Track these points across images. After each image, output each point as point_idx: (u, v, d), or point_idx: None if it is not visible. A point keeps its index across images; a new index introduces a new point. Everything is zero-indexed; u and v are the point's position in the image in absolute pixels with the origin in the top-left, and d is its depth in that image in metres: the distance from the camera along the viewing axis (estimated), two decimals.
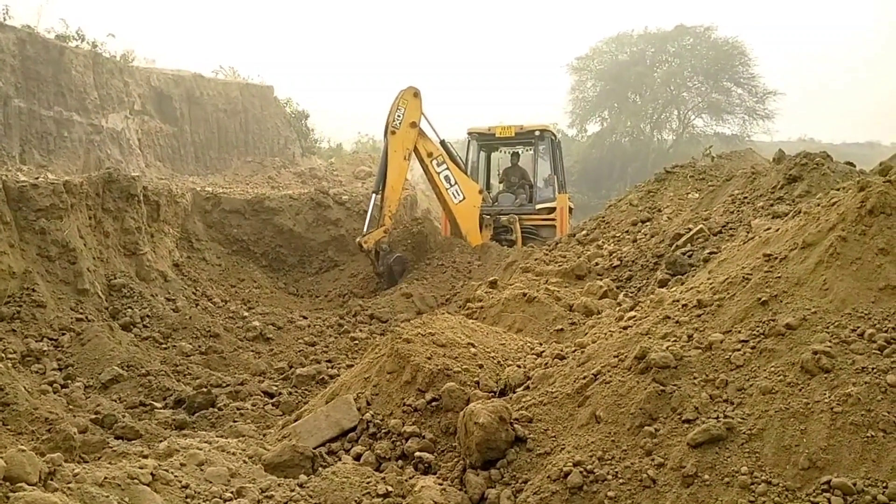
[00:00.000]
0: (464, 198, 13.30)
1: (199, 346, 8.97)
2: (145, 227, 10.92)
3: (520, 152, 16.03)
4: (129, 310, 9.40)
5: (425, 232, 13.40)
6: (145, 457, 4.41)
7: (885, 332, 3.47)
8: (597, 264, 8.60)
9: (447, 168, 13.12)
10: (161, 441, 5.11)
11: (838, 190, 4.95)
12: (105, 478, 3.35)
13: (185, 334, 9.18)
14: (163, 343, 8.96)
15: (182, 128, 20.34)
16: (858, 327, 3.53)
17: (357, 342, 9.50)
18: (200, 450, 4.02)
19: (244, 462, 4.05)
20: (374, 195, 12.48)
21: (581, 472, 3.46)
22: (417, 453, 4.26)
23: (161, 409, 7.03)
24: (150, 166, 18.60)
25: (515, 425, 3.97)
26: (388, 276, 12.38)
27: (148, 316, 9.44)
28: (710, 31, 37.82)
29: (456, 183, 13.22)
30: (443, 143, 13.31)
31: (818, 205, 4.46)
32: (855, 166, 8.53)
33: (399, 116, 12.34)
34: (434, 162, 13.03)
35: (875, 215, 3.90)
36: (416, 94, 12.57)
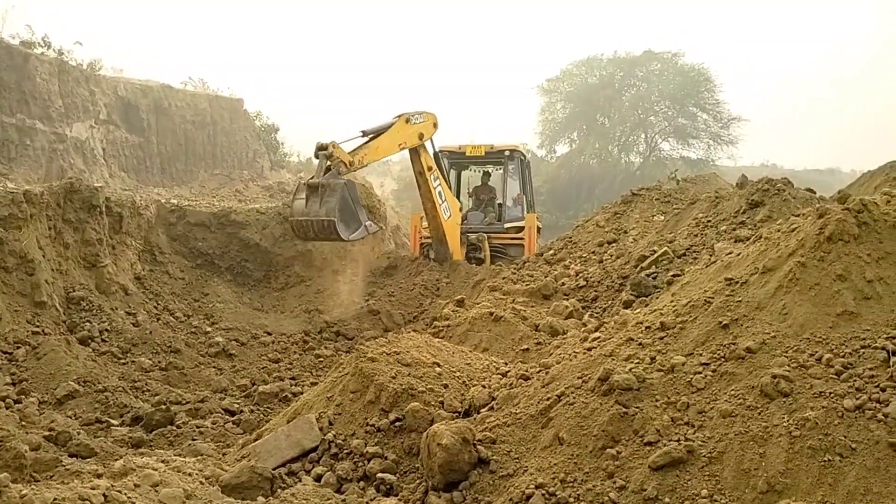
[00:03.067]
0: (451, 214, 13.26)
1: (159, 362, 8.78)
2: (107, 239, 10.69)
3: (490, 171, 16.12)
4: (88, 323, 9.18)
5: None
6: (99, 476, 4.28)
7: (843, 357, 3.53)
8: (563, 284, 8.66)
9: (440, 184, 13.08)
10: (117, 459, 4.97)
11: (798, 216, 5.06)
12: (55, 499, 3.24)
13: (144, 349, 8.99)
14: (121, 358, 8.75)
15: (149, 138, 20.08)
16: (816, 352, 3.59)
17: (322, 359, 9.40)
18: (156, 470, 3.92)
19: (201, 483, 3.95)
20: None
21: (543, 494, 3.44)
22: (379, 474, 4.20)
23: (118, 426, 6.85)
24: (115, 177, 18.30)
25: (479, 447, 3.94)
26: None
27: (107, 330, 9.22)
28: (677, 56, 38.68)
29: (445, 200, 13.17)
30: (436, 156, 13.23)
31: (778, 230, 4.54)
32: (815, 192, 8.75)
33: (417, 119, 12.20)
34: (431, 176, 12.94)
35: (833, 242, 3.98)
36: (435, 123, 12.56)
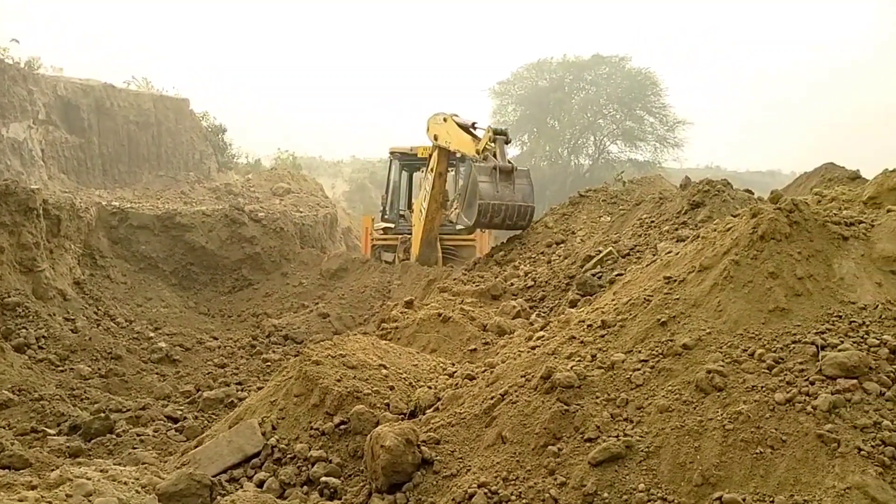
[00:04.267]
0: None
1: (99, 369, 8.53)
2: (44, 243, 10.33)
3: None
4: (24, 330, 8.85)
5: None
6: (33, 487, 4.13)
7: (774, 351, 3.64)
8: (512, 284, 8.72)
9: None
10: (53, 470, 4.80)
11: (735, 216, 5.20)
12: None
13: (83, 356, 8.71)
14: (59, 365, 8.47)
15: (90, 139, 19.50)
16: (749, 347, 3.69)
17: (269, 364, 9.26)
18: (90, 480, 3.80)
19: (137, 492, 3.84)
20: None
21: (485, 493, 3.45)
22: (323, 478, 4.16)
23: (54, 435, 6.61)
24: (54, 179, 17.72)
25: (423, 447, 3.93)
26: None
27: (44, 336, 8.91)
28: (624, 60, 39.35)
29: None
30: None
31: (715, 230, 4.66)
32: (753, 193, 9.02)
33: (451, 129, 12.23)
34: (439, 180, 13.02)
35: (766, 241, 4.11)
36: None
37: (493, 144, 10.96)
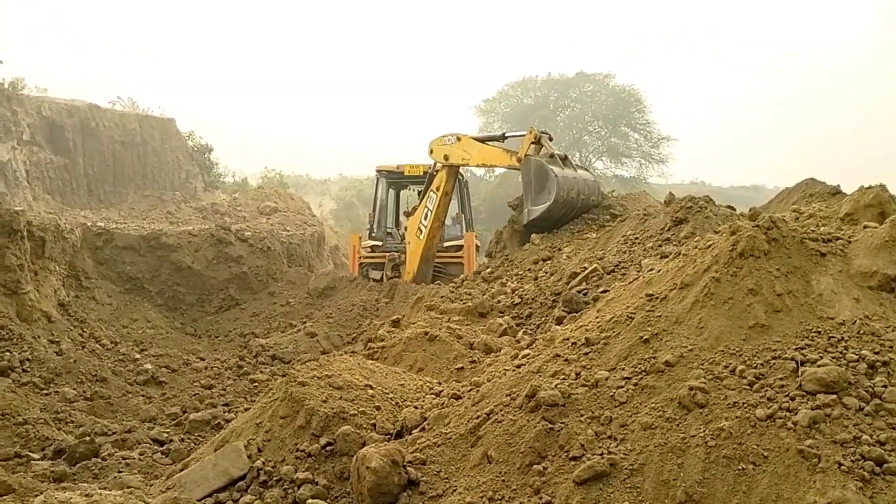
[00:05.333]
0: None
1: (84, 392, 8.45)
2: (28, 265, 10.27)
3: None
4: (8, 353, 8.77)
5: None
6: None
7: (755, 367, 3.69)
8: (499, 302, 8.75)
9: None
10: (36, 496, 4.76)
11: (716, 233, 5.27)
12: None
13: (68, 379, 8.64)
14: (44, 389, 8.39)
15: (75, 160, 19.44)
16: (731, 364, 3.74)
17: (257, 384, 9.22)
18: None
19: None
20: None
21: None
22: (310, 501, 4.13)
23: (38, 460, 6.54)
24: (39, 199, 17.63)
25: (409, 468, 3.93)
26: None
27: (28, 359, 8.82)
28: (608, 78, 39.82)
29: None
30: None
31: (696, 247, 4.72)
32: (735, 210, 9.13)
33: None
34: (445, 199, 13.27)
35: (745, 258, 4.17)
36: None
37: (536, 144, 11.79)
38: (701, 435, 3.39)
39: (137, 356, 10.23)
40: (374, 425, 4.65)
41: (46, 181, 18.51)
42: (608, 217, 11.70)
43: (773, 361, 3.69)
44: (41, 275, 10.72)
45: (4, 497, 5.60)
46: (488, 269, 11.24)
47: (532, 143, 11.84)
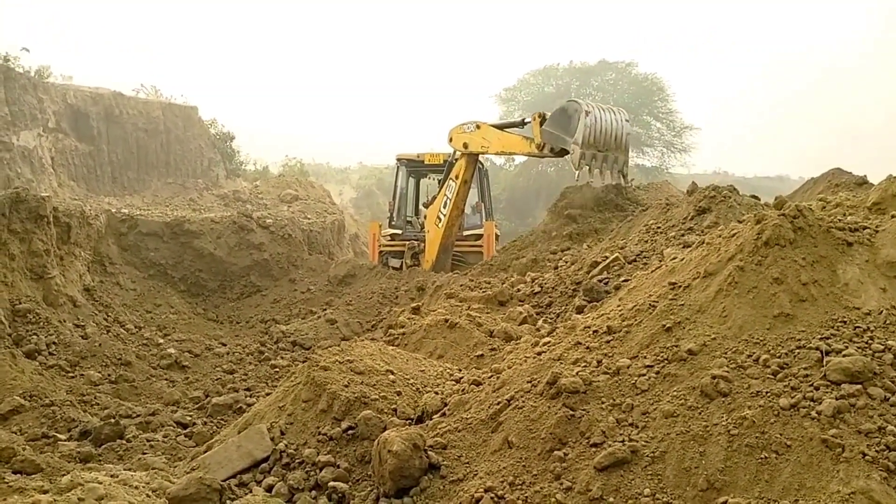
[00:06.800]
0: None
1: (109, 375, 8.59)
2: (54, 250, 10.42)
3: None
4: (35, 336, 8.92)
5: None
6: (44, 492, 4.19)
7: (779, 357, 3.66)
8: (519, 290, 8.74)
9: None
10: (63, 475, 4.85)
11: (740, 222, 5.22)
12: None
13: (93, 362, 8.77)
14: (70, 371, 8.53)
15: (99, 147, 19.67)
16: (754, 353, 3.71)
17: (278, 370, 9.31)
18: (101, 484, 3.84)
19: (147, 496, 3.89)
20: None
21: (492, 497, 3.49)
22: (331, 483, 4.19)
23: (65, 441, 6.67)
24: (64, 186, 17.87)
25: (430, 452, 3.97)
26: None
27: (54, 343, 8.97)
28: (630, 66, 39.40)
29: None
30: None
31: (720, 236, 4.68)
32: (760, 199, 9.02)
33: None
34: (464, 187, 13.26)
35: (770, 247, 4.13)
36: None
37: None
38: (723, 423, 3.38)
39: (161, 341, 10.37)
40: (394, 410, 4.69)
41: (71, 168, 18.77)
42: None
43: (798, 351, 3.67)
44: (67, 260, 10.88)
45: (33, 475, 5.72)
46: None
47: (541, 125, 11.70)
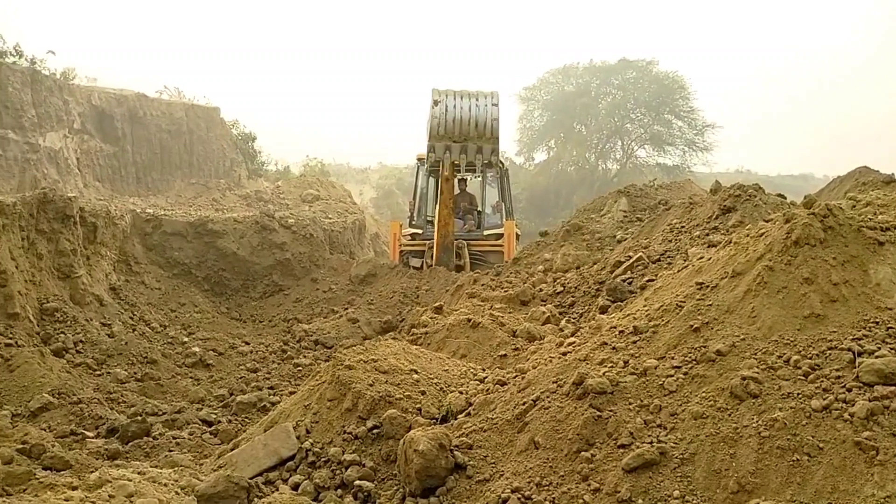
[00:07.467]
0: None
1: (135, 373, 8.69)
2: (81, 250, 10.57)
3: (467, 179, 16.19)
4: (62, 335, 9.05)
5: None
6: (74, 488, 4.24)
7: (810, 358, 3.61)
8: (541, 290, 8.71)
9: None
10: (92, 472, 4.91)
11: (768, 221, 5.16)
12: None
13: (120, 360, 8.88)
14: (97, 370, 8.64)
15: (123, 148, 19.92)
16: (785, 354, 3.67)
17: (301, 368, 9.36)
18: (130, 481, 3.89)
19: (176, 493, 3.93)
20: None
21: (519, 498, 3.48)
22: (357, 482, 4.20)
23: (93, 438, 6.75)
24: (89, 186, 18.12)
25: (455, 452, 3.96)
26: None
27: (81, 341, 9.10)
28: (651, 65, 39.11)
29: None
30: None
31: (747, 235, 4.63)
32: (786, 198, 8.91)
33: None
34: (446, 185, 13.17)
35: (800, 246, 4.08)
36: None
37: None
38: (754, 425, 3.34)
39: (185, 339, 10.47)
40: (419, 409, 4.69)
41: (96, 169, 19.03)
42: None
43: (829, 352, 3.61)
44: (93, 259, 11.02)
45: (62, 472, 5.81)
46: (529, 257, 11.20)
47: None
